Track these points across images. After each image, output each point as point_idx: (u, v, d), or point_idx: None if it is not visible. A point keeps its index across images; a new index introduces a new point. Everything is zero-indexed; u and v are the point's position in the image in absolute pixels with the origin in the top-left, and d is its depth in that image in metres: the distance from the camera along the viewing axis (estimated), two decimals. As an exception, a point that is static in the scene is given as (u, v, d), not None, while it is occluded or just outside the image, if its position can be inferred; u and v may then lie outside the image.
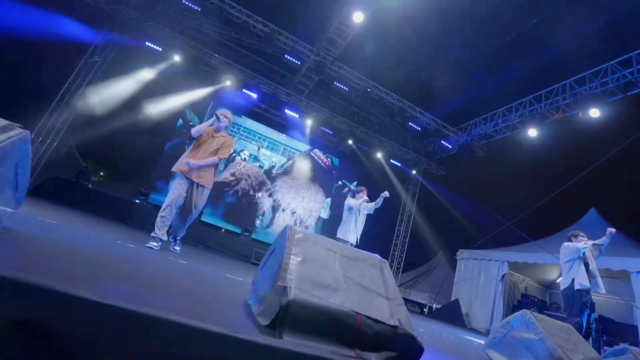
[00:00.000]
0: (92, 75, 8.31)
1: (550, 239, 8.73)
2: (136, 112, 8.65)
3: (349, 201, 4.88)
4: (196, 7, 7.85)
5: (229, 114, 3.71)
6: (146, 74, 8.86)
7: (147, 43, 8.68)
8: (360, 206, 4.78)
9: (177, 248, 3.59)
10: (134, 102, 8.64)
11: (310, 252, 1.60)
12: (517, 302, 8.82)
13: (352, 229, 4.70)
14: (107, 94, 8.33)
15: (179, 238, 3.66)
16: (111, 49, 8.56)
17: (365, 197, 4.83)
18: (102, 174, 10.35)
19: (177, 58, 8.72)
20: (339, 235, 4.73)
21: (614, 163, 8.32)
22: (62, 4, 7.45)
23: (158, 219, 3.25)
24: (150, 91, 8.86)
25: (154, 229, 3.24)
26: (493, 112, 8.91)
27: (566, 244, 4.19)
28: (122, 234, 3.93)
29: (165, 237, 3.32)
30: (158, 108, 9.00)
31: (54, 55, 7.71)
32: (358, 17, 6.84)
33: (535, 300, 8.60)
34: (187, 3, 7.85)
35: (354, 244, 4.63)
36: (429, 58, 8.42)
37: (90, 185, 7.21)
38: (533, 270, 8.99)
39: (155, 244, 3.18)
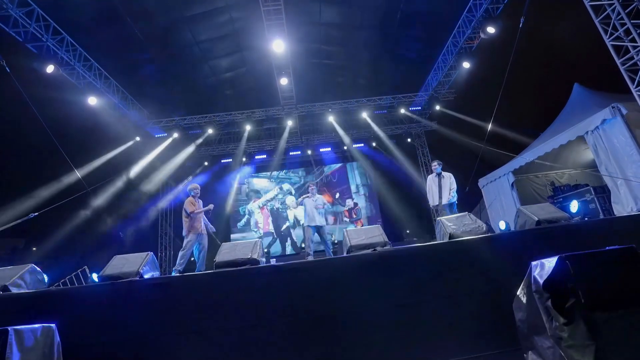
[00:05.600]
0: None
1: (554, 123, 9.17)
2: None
3: None
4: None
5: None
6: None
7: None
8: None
9: None
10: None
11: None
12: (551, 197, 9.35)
13: None
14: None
15: None
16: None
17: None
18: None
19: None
20: None
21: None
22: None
23: None
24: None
25: None
26: (436, 64, 10.19)
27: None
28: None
29: None
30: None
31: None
32: (278, 46, 7.60)
33: (562, 188, 9.06)
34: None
35: None
36: (361, 59, 10.36)
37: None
38: (560, 162, 9.38)
39: None
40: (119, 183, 10.18)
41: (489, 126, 8.24)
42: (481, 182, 10.60)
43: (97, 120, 9.05)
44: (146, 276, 3.94)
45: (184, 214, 5.45)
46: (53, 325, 2.65)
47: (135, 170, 10.49)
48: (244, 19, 8.66)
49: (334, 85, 10.95)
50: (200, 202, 5.63)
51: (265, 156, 12.32)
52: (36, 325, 2.54)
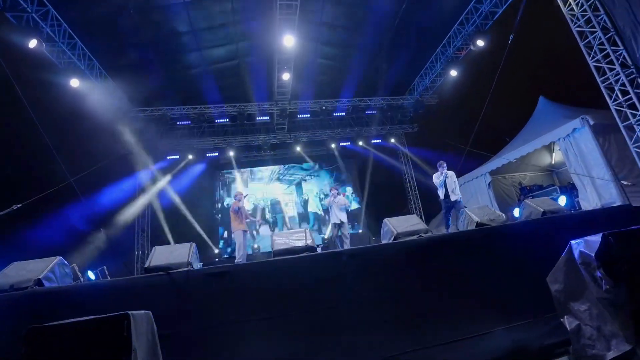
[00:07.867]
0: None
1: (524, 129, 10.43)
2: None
3: None
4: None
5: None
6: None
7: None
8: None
9: None
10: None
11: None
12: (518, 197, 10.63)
13: None
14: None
15: None
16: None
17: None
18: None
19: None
20: None
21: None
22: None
23: None
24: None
25: None
26: (423, 70, 10.95)
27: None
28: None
29: None
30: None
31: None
32: (288, 41, 7.83)
33: (529, 188, 10.35)
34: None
35: None
36: (354, 61, 10.73)
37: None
38: (523, 165, 10.68)
39: None
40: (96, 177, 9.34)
41: (475, 129, 9.10)
42: (458, 182, 11.60)
43: (77, 106, 8.25)
44: (194, 266, 3.86)
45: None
46: (150, 312, 2.58)
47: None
48: (246, 10, 8.53)
49: (327, 83, 11.17)
50: None
51: (253, 152, 12.15)
52: (141, 311, 2.47)
